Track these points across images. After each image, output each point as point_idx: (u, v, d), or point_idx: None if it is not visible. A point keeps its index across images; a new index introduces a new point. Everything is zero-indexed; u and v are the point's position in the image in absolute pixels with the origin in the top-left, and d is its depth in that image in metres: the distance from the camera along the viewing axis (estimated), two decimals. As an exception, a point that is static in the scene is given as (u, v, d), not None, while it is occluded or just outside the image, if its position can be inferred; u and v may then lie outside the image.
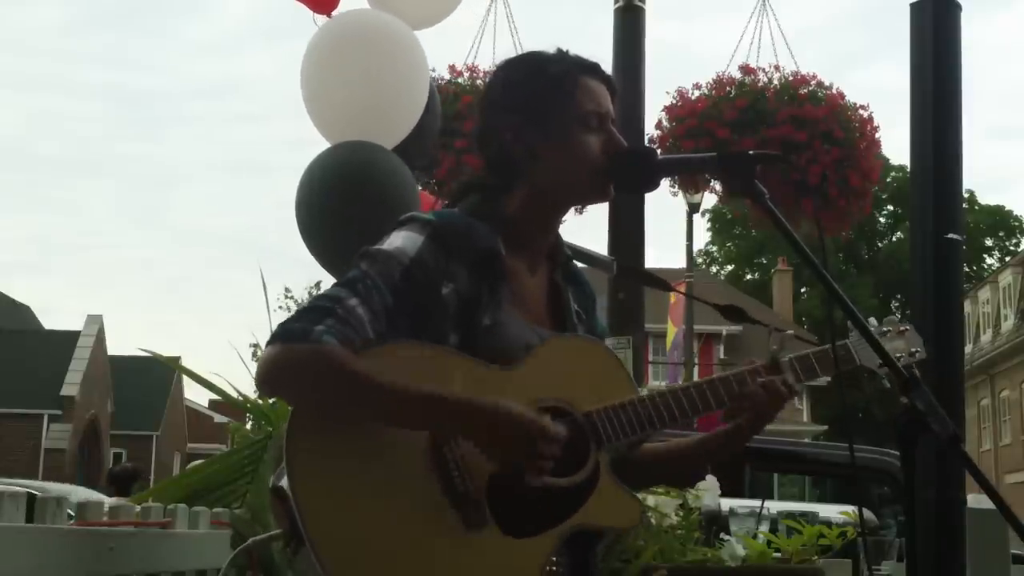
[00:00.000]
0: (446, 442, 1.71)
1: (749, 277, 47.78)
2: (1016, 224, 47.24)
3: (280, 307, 26.37)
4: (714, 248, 48.81)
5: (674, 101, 6.90)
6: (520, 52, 2.04)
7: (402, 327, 1.76)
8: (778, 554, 3.07)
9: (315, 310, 1.71)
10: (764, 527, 3.99)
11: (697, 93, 6.84)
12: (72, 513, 2.20)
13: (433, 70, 6.00)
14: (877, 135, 6.85)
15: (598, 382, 1.87)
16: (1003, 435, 33.76)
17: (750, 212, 7.54)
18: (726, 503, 3.48)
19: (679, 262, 27.97)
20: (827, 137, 6.56)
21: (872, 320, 1.97)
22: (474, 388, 1.73)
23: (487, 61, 6.91)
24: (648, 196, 5.34)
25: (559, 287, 2.00)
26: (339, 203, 3.46)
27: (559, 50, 1.95)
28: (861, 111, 6.85)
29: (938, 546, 3.61)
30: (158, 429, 32.20)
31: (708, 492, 3.10)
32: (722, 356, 31.54)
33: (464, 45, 7.20)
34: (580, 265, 2.22)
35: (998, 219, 46.57)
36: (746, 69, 6.92)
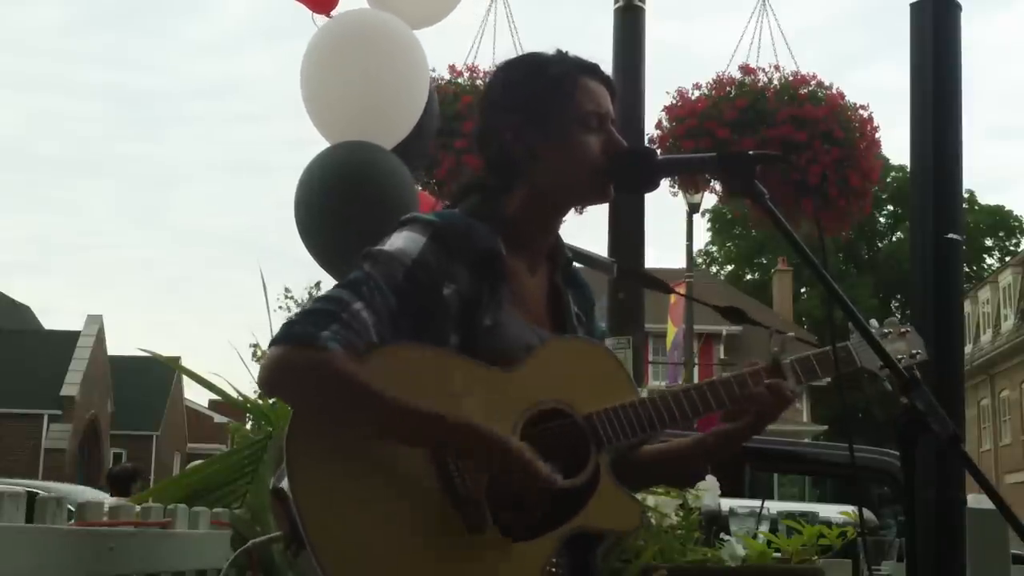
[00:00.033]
0: None
1: (749, 277, 47.78)
2: (1016, 224, 47.24)
3: (280, 307, 26.28)
4: (714, 248, 48.84)
5: (674, 101, 6.90)
6: (520, 52, 2.04)
7: (404, 328, 1.76)
8: (778, 554, 3.06)
9: (320, 313, 1.71)
10: (764, 527, 3.98)
11: (697, 93, 6.84)
12: (72, 508, 2.20)
13: (433, 70, 5.99)
14: (877, 135, 6.85)
15: (598, 384, 1.87)
16: (1003, 435, 33.76)
17: (750, 212, 7.53)
18: (726, 503, 3.47)
19: (679, 262, 27.98)
20: (827, 137, 6.56)
21: (873, 322, 1.97)
22: (475, 390, 1.74)
23: (487, 61, 6.91)
24: (648, 196, 5.34)
25: (559, 289, 2.00)
26: (338, 203, 3.46)
27: (559, 51, 1.96)
28: (861, 111, 6.84)
29: (938, 546, 3.61)
30: (158, 429, 32.20)
31: (708, 492, 3.10)
32: (722, 356, 31.55)
33: (464, 45, 7.20)
34: (580, 266, 2.22)
35: (998, 219, 46.57)
36: (746, 69, 6.91)
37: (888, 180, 39.25)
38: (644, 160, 1.95)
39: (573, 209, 1.98)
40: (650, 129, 6.54)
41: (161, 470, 29.53)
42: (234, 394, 3.18)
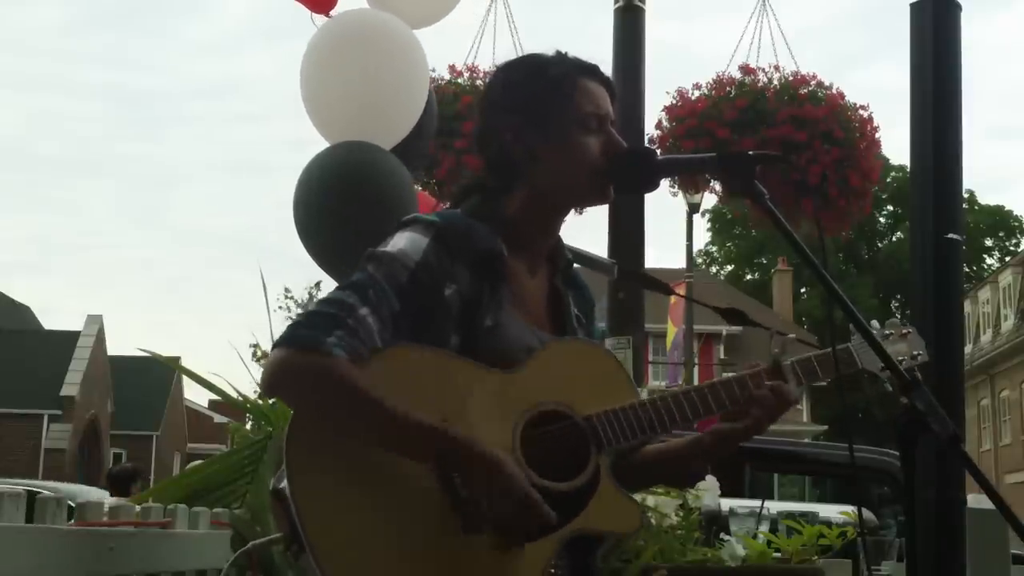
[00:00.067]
0: None
1: (749, 277, 47.78)
2: (1016, 224, 47.25)
3: (280, 307, 26.31)
4: (714, 248, 48.85)
5: (674, 101, 6.90)
6: (520, 52, 2.05)
7: (404, 328, 1.76)
8: (778, 554, 3.06)
9: (326, 317, 1.71)
10: (764, 527, 3.98)
11: (697, 93, 6.84)
12: (72, 505, 2.20)
13: (433, 70, 6.00)
14: (877, 135, 6.86)
15: (599, 386, 1.87)
16: (1003, 435, 33.76)
17: (750, 212, 7.54)
18: (726, 503, 3.47)
19: (679, 262, 27.95)
20: (827, 137, 6.56)
21: (875, 323, 1.97)
22: (475, 392, 1.74)
23: (487, 61, 6.91)
24: (648, 196, 5.34)
25: (559, 291, 2.00)
26: (337, 203, 3.46)
27: (558, 52, 1.96)
28: (861, 111, 6.85)
29: (938, 546, 3.61)
30: (158, 429, 32.19)
31: (708, 492, 3.10)
32: (722, 356, 31.54)
33: (464, 45, 7.21)
34: (579, 267, 2.22)
35: (998, 219, 46.58)
36: (746, 69, 6.92)
37: (888, 180, 39.26)
38: (644, 160, 1.95)
39: (573, 210, 1.98)
40: (650, 129, 6.55)
41: (161, 470, 29.52)
42: (234, 394, 3.18)
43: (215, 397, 3.95)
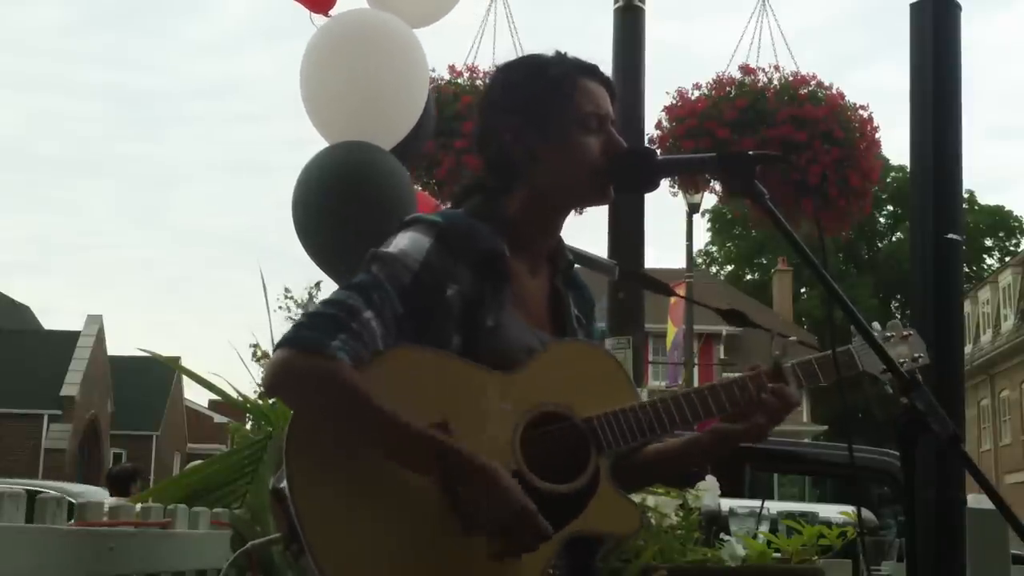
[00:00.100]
0: None
1: (749, 277, 47.78)
2: (1016, 224, 47.24)
3: (280, 307, 26.25)
4: (714, 248, 48.85)
5: (674, 101, 6.90)
6: (520, 53, 2.05)
7: (406, 329, 1.76)
8: (778, 554, 3.06)
9: (330, 320, 1.70)
10: (764, 527, 3.98)
11: (697, 93, 6.84)
12: (73, 501, 2.20)
13: (433, 70, 6.00)
14: (877, 135, 6.86)
15: (599, 387, 1.87)
16: (1003, 435, 33.75)
17: (750, 212, 7.54)
18: (726, 503, 3.47)
19: (679, 262, 27.93)
20: (827, 137, 6.56)
21: (876, 325, 1.97)
22: (476, 393, 1.74)
23: (487, 61, 6.91)
24: (648, 196, 5.34)
25: (560, 292, 2.00)
26: (336, 203, 3.46)
27: (558, 52, 1.96)
28: (861, 111, 6.85)
29: (938, 546, 3.61)
30: (158, 429, 32.19)
31: (708, 492, 3.10)
32: (722, 356, 31.54)
33: (464, 45, 7.20)
34: (579, 268, 2.22)
35: (998, 219, 46.57)
36: (746, 69, 6.92)
37: (888, 180, 39.25)
38: (644, 160, 1.95)
39: (573, 210, 1.98)
40: (650, 129, 6.55)
41: (161, 470, 29.52)
42: (234, 394, 3.18)
43: (215, 397, 3.94)
